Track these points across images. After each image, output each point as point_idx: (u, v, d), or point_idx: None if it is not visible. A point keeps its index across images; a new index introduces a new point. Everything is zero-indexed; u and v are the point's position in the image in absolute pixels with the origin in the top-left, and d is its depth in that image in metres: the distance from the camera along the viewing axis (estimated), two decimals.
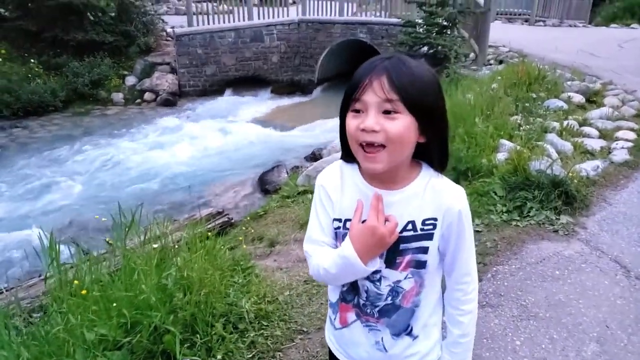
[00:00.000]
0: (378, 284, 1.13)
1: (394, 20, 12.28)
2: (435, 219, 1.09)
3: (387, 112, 0.98)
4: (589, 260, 3.20)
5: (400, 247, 1.09)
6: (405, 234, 1.08)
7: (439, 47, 9.21)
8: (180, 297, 2.24)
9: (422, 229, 1.08)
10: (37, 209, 7.26)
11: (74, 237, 4.91)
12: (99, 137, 10.40)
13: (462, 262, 1.15)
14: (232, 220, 5.66)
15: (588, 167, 4.37)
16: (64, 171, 8.69)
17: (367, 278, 1.13)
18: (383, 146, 1.00)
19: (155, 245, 2.52)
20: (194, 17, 13.28)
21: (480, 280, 3.05)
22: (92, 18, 12.96)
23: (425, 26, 9.92)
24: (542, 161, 4.05)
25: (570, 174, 3.92)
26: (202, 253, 2.67)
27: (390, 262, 1.10)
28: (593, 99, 6.62)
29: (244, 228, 5.10)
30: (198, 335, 2.19)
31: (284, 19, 14.11)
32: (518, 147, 4.37)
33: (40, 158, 9.22)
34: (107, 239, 2.98)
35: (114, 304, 2.02)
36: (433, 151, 1.08)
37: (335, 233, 1.15)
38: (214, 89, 13.57)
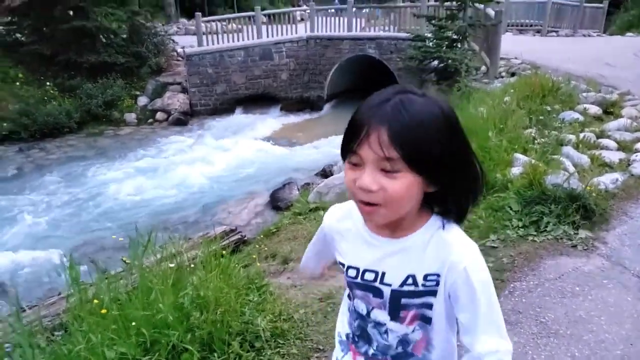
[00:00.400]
0: (385, 335, 1.07)
1: (403, 34, 12.39)
2: (438, 275, 0.97)
3: (386, 170, 0.87)
4: (610, 275, 3.13)
5: (402, 302, 1.01)
6: (405, 288, 0.99)
7: (450, 60, 9.25)
8: (197, 316, 2.24)
9: (423, 285, 0.98)
10: (54, 229, 7.39)
11: (91, 256, 4.96)
12: (112, 157, 10.57)
13: (477, 337, 0.96)
14: (245, 238, 5.67)
15: (607, 180, 4.29)
16: (79, 191, 8.85)
17: (375, 327, 1.08)
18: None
19: (171, 265, 2.53)
20: (204, 36, 13.50)
21: (498, 297, 3.00)
22: (104, 40, 13.26)
23: (435, 40, 9.99)
24: (559, 175, 4.00)
25: (588, 188, 3.86)
26: (217, 272, 2.67)
27: (394, 316, 1.04)
28: (610, 110, 6.47)
29: (257, 245, 5.10)
30: (216, 354, 2.18)
31: (292, 36, 14.32)
32: (533, 161, 4.32)
33: (57, 179, 9.41)
34: (123, 258, 2.99)
35: (133, 323, 2.02)
36: (446, 200, 0.97)
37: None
38: (224, 108, 13.74)
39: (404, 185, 0.88)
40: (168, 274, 2.41)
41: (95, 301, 2.21)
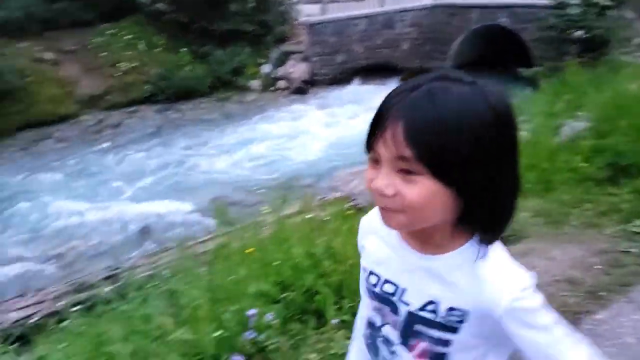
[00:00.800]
0: (392, 356, 0.94)
1: (541, 1, 11.24)
2: (466, 312, 0.81)
3: (404, 171, 0.74)
4: None
5: (415, 328, 0.86)
6: (423, 314, 0.84)
7: (597, 30, 8.22)
8: (329, 264, 2.38)
9: (443, 317, 0.83)
10: (189, 182, 8.27)
11: (227, 206, 5.44)
12: (238, 121, 11.33)
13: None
14: (359, 206, 5.75)
15: None
16: (208, 151, 9.72)
17: (384, 343, 0.95)
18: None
19: (308, 216, 2.69)
20: (327, 5, 13.58)
21: None
22: (233, 9, 13.93)
23: (581, 7, 8.92)
24: None
25: None
26: (345, 229, 2.79)
27: (405, 341, 0.90)
28: None
29: None
30: (345, 300, 2.31)
31: (417, 4, 13.83)
32: None
33: (191, 137, 10.39)
34: (263, 209, 3.25)
35: (274, 263, 2.20)
36: (477, 216, 0.78)
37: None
38: (343, 77, 13.80)
39: (423, 192, 0.73)
40: (303, 225, 2.57)
41: (241, 243, 2.43)
